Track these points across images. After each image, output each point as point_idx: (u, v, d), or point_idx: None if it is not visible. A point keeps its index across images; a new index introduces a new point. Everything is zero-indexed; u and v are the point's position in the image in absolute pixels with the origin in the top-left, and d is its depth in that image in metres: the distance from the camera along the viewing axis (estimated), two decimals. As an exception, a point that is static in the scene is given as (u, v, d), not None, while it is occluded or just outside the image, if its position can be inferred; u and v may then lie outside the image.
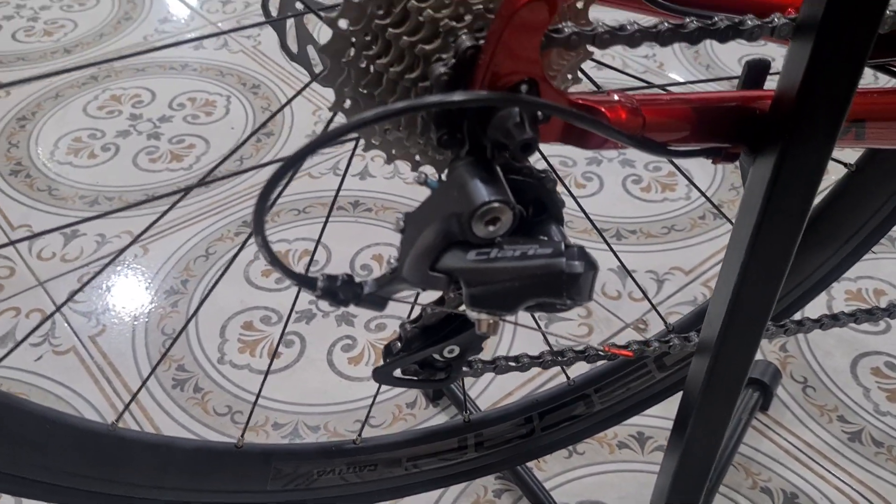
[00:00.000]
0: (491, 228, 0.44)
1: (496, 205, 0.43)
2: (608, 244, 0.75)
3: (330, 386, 1.06)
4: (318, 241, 1.17)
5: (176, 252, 1.24)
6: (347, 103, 0.49)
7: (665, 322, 0.77)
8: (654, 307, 0.76)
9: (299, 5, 0.58)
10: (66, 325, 1.13)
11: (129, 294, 1.18)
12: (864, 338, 1.14)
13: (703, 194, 0.82)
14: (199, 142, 1.46)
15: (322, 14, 0.45)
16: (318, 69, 0.61)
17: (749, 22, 0.48)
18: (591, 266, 0.46)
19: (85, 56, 1.66)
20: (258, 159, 1.43)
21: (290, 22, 0.60)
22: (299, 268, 1.22)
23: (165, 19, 1.79)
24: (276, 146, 1.46)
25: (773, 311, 0.57)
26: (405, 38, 0.45)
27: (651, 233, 1.30)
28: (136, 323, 1.14)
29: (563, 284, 0.44)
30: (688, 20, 0.47)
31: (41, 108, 1.53)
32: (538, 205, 0.51)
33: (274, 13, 0.58)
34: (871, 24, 0.43)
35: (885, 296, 1.20)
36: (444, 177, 0.47)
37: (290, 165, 0.38)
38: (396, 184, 1.37)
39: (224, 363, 1.08)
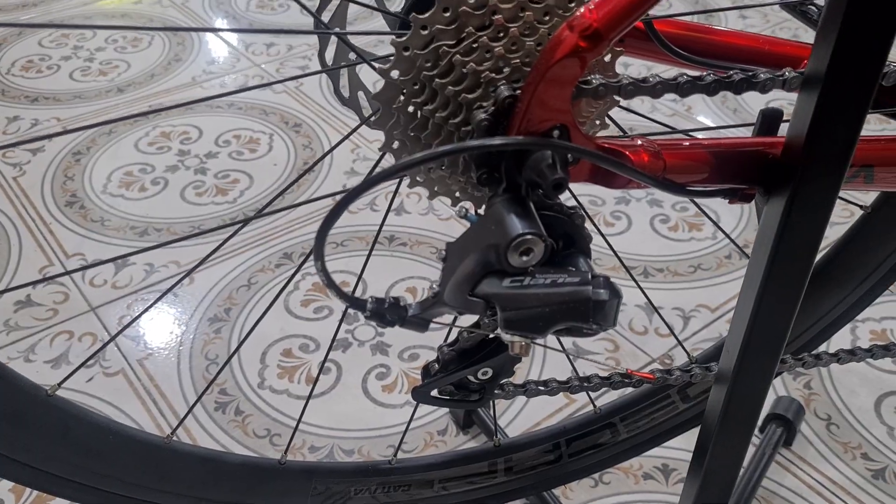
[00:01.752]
0: (525, 259, 0.48)
1: (530, 237, 0.48)
2: (635, 280, 0.79)
3: (365, 412, 1.10)
4: (361, 275, 1.23)
5: (220, 282, 1.30)
6: (395, 145, 0.54)
7: (688, 354, 0.80)
8: (679, 342, 0.79)
9: (352, 55, 0.64)
10: (116, 348, 1.19)
11: (174, 321, 1.24)
12: (888, 377, 1.16)
13: (727, 235, 0.86)
14: (244, 177, 1.53)
15: (376, 65, 0.51)
16: (365, 113, 0.66)
17: (762, 75, 0.52)
18: (616, 294, 0.50)
19: (137, 94, 1.75)
20: (299, 195, 1.50)
21: (343, 70, 0.65)
22: (337, 302, 1.27)
23: (213, 61, 1.88)
24: (315, 182, 1.52)
25: (792, 345, 0.61)
26: (450, 87, 0.50)
27: (678, 271, 1.34)
28: (181, 348, 1.19)
29: (590, 310, 0.48)
30: (706, 73, 0.52)
31: (95, 143, 1.61)
32: (567, 239, 0.56)
33: (329, 62, 0.64)
34: (872, 78, 0.47)
35: (909, 337, 1.22)
36: (482, 211, 0.52)
37: (351, 199, 0.43)
38: (431, 220, 1.43)
39: (264, 388, 1.13)
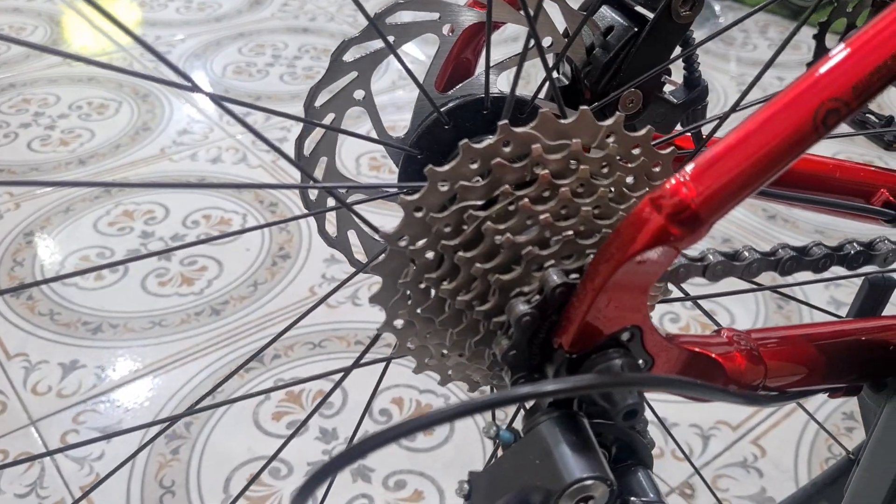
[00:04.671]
0: (581, 507, 0.35)
1: (591, 482, 0.34)
2: (644, 399, 0.66)
3: (344, 558, 0.95)
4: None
5: (181, 389, 1.15)
6: (400, 323, 0.41)
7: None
8: (697, 471, 0.66)
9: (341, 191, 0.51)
10: (56, 472, 1.03)
11: (126, 437, 1.08)
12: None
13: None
14: (212, 264, 1.39)
15: (379, 232, 0.38)
16: (358, 255, 0.53)
17: (882, 246, 0.40)
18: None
19: (99, 168, 1.62)
20: (274, 284, 1.36)
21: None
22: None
23: (184, 131, 1.75)
24: (292, 270, 1.38)
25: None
26: (478, 264, 0.37)
27: (692, 380, 1.21)
28: (132, 474, 1.04)
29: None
30: (812, 245, 0.39)
31: (50, 222, 1.47)
32: (623, 445, 0.42)
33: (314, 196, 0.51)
34: None
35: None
36: (519, 426, 0.39)
37: (330, 473, 0.30)
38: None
39: (227, 526, 0.98)
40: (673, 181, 0.31)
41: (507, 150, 0.37)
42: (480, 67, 0.50)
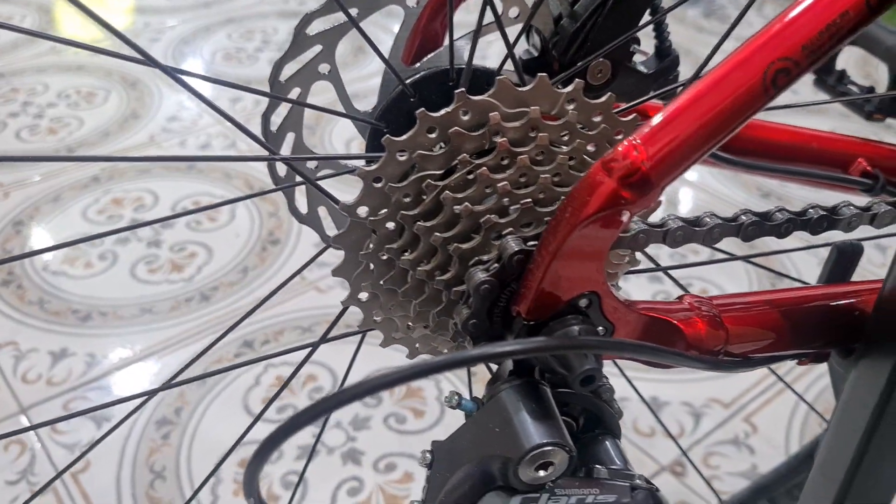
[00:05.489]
0: (541, 473, 0.35)
1: (550, 448, 0.34)
2: (628, 379, 0.66)
3: (333, 539, 0.95)
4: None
5: (170, 375, 1.15)
6: (364, 296, 0.41)
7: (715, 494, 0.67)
8: (683, 452, 0.66)
9: (311, 165, 0.51)
10: (46, 459, 1.03)
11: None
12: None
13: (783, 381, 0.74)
14: (202, 250, 1.39)
15: (339, 204, 0.38)
16: (331, 232, 0.53)
17: (846, 211, 0.40)
18: (664, 512, 0.37)
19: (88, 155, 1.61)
20: (264, 269, 1.36)
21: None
22: (304, 394, 1.13)
23: (174, 118, 1.75)
24: (282, 255, 1.38)
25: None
26: (437, 233, 0.37)
27: (682, 358, 1.21)
28: (123, 458, 1.04)
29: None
30: (774, 209, 0.39)
31: (39, 211, 1.46)
32: (590, 416, 0.42)
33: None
34: None
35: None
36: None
37: (287, 434, 0.30)
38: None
39: (217, 509, 0.98)
40: (625, 144, 0.31)
41: (465, 118, 0.37)
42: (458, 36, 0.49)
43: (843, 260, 0.44)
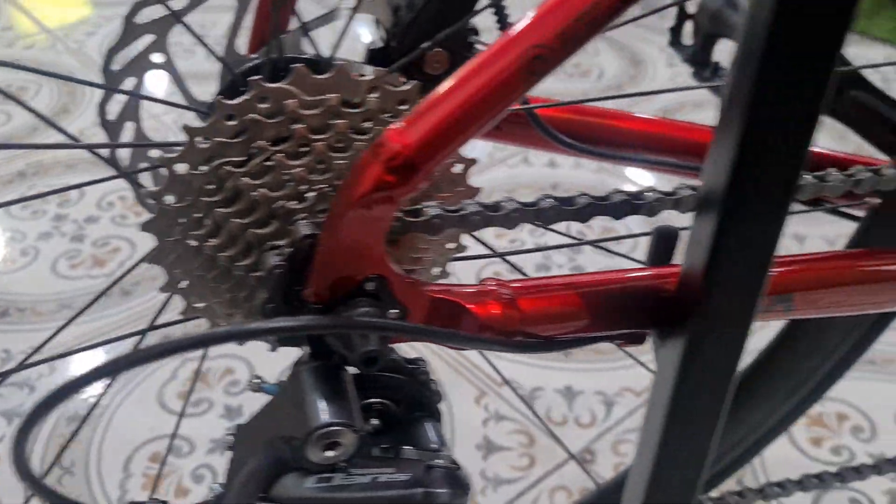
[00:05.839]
0: (330, 454, 0.36)
1: (336, 428, 0.35)
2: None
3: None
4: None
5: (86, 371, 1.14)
6: (184, 283, 0.41)
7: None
8: (568, 451, 0.67)
9: (155, 153, 0.51)
10: (-48, 456, 1.02)
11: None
12: None
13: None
14: (125, 245, 1.38)
15: (146, 190, 0.38)
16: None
17: (648, 195, 0.41)
18: (460, 489, 0.38)
19: (15, 151, 1.59)
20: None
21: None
22: (220, 388, 1.13)
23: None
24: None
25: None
26: (236, 220, 0.38)
27: (600, 349, 1.23)
28: (31, 454, 1.03)
29: (424, 516, 0.36)
30: (577, 195, 0.40)
31: (-40, 207, 1.44)
32: (410, 400, 0.43)
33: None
34: (784, 196, 0.37)
35: (847, 420, 1.12)
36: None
37: (63, 397, 0.30)
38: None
39: (124, 504, 0.98)
40: (391, 128, 0.32)
41: (263, 106, 0.37)
42: (295, 26, 0.50)
43: (663, 242, 0.45)
